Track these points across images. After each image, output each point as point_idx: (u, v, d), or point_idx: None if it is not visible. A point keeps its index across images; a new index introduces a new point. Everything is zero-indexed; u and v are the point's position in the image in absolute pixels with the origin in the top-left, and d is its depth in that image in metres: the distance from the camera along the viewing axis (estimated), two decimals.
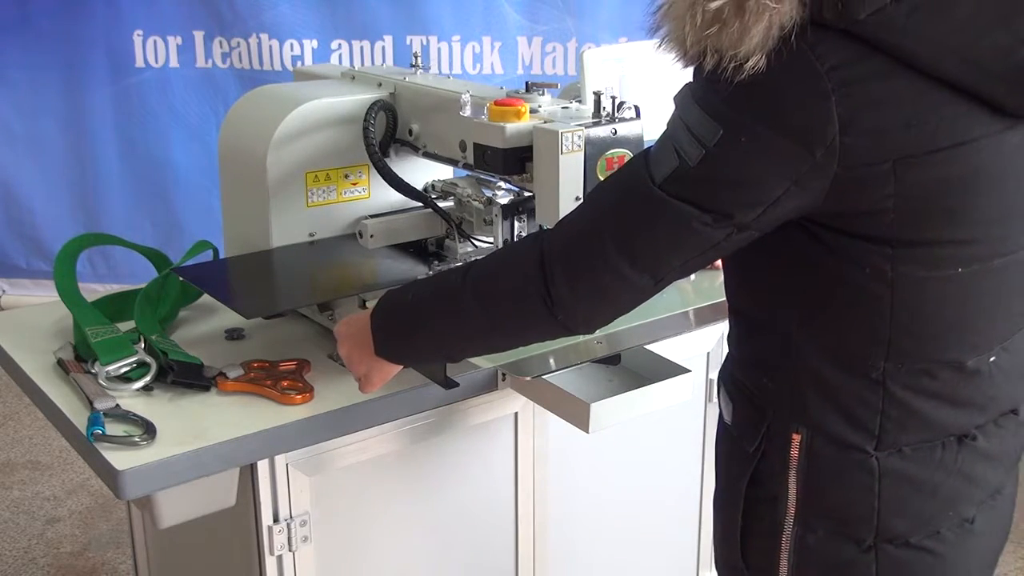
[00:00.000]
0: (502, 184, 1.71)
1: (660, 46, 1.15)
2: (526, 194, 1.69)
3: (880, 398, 1.17)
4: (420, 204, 1.79)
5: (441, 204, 1.76)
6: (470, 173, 1.76)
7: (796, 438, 1.21)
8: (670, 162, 1.13)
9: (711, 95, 1.10)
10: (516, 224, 1.73)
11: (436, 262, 1.75)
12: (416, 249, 1.83)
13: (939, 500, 1.21)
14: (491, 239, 1.72)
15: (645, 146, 1.56)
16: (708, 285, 1.79)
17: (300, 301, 1.77)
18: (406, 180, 1.78)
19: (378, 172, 1.75)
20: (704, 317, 1.80)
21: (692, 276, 1.75)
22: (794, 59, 1.05)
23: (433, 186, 1.81)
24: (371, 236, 1.75)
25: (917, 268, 1.12)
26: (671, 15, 1.11)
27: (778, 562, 1.25)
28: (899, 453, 1.19)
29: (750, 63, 1.04)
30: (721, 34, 1.05)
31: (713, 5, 1.04)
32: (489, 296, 1.28)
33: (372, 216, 1.79)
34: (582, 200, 1.39)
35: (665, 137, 1.16)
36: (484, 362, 1.49)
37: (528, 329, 1.30)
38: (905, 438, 1.19)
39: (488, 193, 1.70)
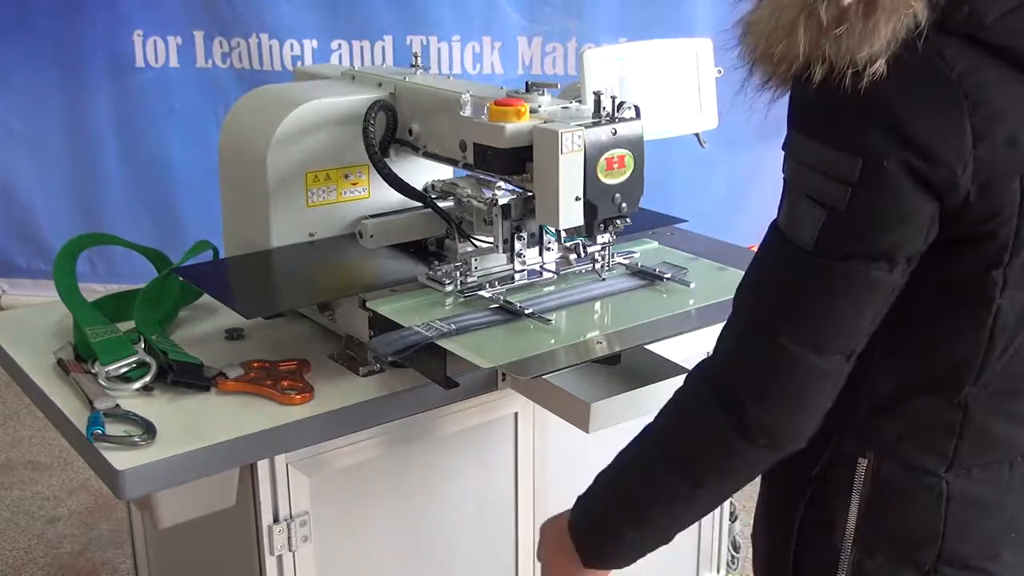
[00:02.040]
0: (502, 184, 1.71)
1: (751, 65, 1.06)
2: (528, 194, 1.69)
3: (959, 421, 1.12)
4: (420, 204, 1.79)
5: (441, 204, 1.76)
6: (469, 173, 1.76)
7: (863, 462, 1.15)
8: (813, 217, 1.02)
9: (831, 123, 1.01)
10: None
11: (436, 262, 1.75)
12: (416, 249, 1.83)
13: (1004, 521, 1.17)
14: (491, 239, 1.72)
15: (644, 146, 1.57)
16: (708, 285, 1.78)
17: (300, 301, 1.77)
18: (406, 180, 1.78)
19: (378, 172, 1.75)
20: (704, 317, 1.79)
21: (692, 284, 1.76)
22: (921, 65, 0.97)
23: (433, 186, 1.81)
24: (371, 236, 1.75)
25: (1020, 288, 1.05)
26: (777, 24, 1.01)
27: None
28: (967, 475, 1.14)
29: (872, 69, 0.96)
30: (842, 38, 0.96)
31: (846, 1, 0.96)
32: (681, 459, 1.15)
33: (372, 216, 1.79)
34: (732, 304, 1.18)
35: (791, 195, 1.05)
36: (484, 362, 1.49)
37: (736, 471, 1.14)
38: (974, 459, 1.14)
39: (488, 193, 1.70)
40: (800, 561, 1.24)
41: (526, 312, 1.61)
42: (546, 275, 1.76)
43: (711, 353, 1.15)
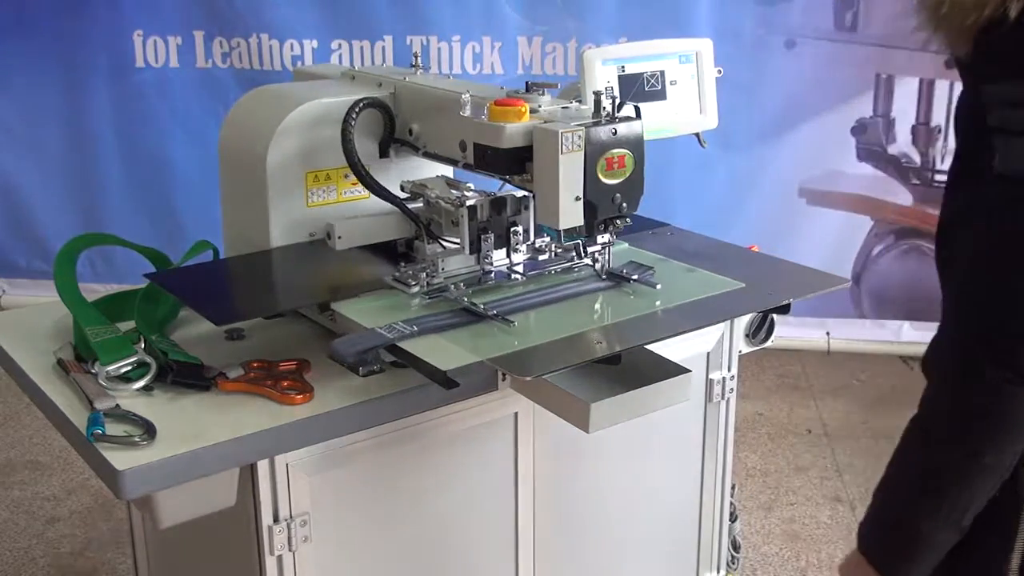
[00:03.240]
0: (471, 185, 1.71)
1: (935, 24, 1.10)
2: (497, 195, 1.70)
3: None
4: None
5: (412, 205, 1.76)
6: (441, 175, 1.76)
7: None
8: None
9: None
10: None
11: (403, 263, 1.75)
12: (394, 250, 1.83)
13: None
14: (458, 240, 1.72)
15: (644, 146, 1.57)
16: (675, 287, 1.77)
17: (289, 303, 1.77)
18: (406, 180, 1.78)
19: (351, 169, 1.74)
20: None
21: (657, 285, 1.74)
22: None
23: (402, 187, 1.80)
24: (339, 237, 1.75)
25: None
26: None
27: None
28: None
29: None
30: None
31: None
32: (961, 430, 1.15)
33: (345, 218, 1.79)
34: (949, 273, 1.20)
35: (1007, 139, 1.11)
36: (443, 364, 1.47)
37: (1017, 427, 1.13)
38: None
39: (456, 194, 1.70)
40: (971, 550, 1.22)
41: (489, 314, 1.60)
42: (514, 277, 1.74)
43: (950, 331, 1.16)
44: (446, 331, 1.56)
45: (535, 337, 1.56)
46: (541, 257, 1.79)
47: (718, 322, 1.89)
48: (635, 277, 1.74)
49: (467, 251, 1.71)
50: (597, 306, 1.69)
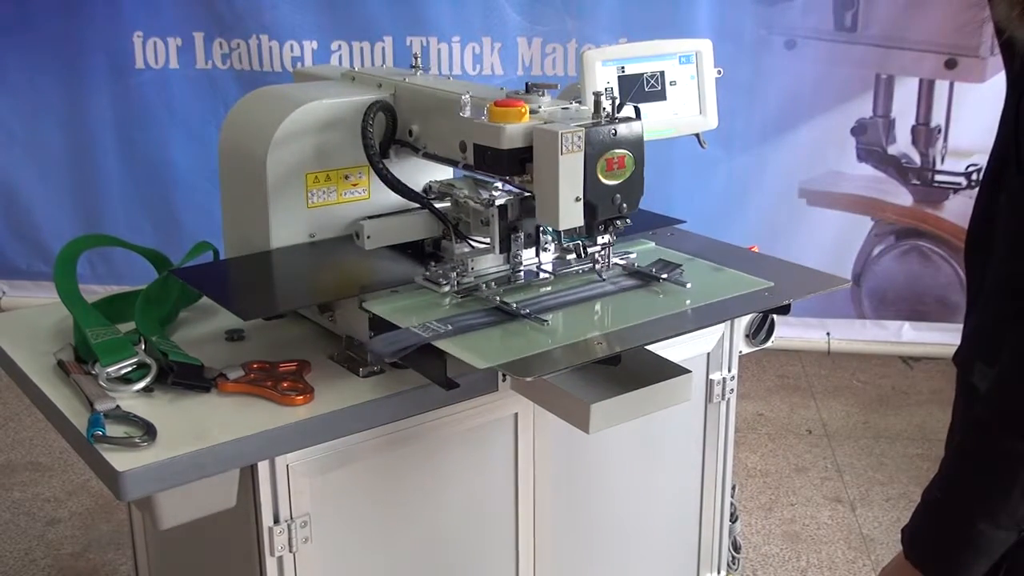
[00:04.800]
0: (499, 185, 1.71)
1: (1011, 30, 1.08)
2: (525, 194, 1.70)
3: None
4: (418, 205, 1.79)
5: (438, 205, 1.76)
6: (467, 174, 1.76)
7: None
8: None
9: None
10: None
11: (433, 263, 1.75)
12: (415, 250, 1.83)
13: None
14: (488, 240, 1.72)
15: (644, 147, 1.57)
16: (704, 285, 1.78)
17: (299, 302, 1.77)
18: (406, 181, 1.78)
19: (376, 173, 1.75)
20: (700, 317, 1.78)
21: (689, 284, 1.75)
22: None
23: (430, 187, 1.81)
24: (368, 237, 1.75)
25: None
26: None
27: None
28: None
29: None
30: None
31: None
32: (1017, 419, 1.11)
33: (369, 217, 1.79)
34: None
35: None
36: (480, 363, 1.48)
37: None
38: None
39: (485, 194, 1.70)
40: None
41: (522, 313, 1.61)
42: (543, 276, 1.75)
43: (1000, 318, 1.13)
44: (480, 330, 1.57)
45: (568, 335, 1.57)
46: (569, 256, 1.79)
47: (718, 323, 1.89)
48: (664, 276, 1.74)
49: (497, 250, 1.71)
50: (628, 305, 1.70)
